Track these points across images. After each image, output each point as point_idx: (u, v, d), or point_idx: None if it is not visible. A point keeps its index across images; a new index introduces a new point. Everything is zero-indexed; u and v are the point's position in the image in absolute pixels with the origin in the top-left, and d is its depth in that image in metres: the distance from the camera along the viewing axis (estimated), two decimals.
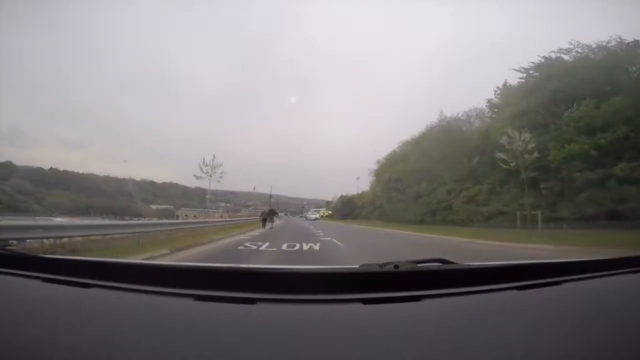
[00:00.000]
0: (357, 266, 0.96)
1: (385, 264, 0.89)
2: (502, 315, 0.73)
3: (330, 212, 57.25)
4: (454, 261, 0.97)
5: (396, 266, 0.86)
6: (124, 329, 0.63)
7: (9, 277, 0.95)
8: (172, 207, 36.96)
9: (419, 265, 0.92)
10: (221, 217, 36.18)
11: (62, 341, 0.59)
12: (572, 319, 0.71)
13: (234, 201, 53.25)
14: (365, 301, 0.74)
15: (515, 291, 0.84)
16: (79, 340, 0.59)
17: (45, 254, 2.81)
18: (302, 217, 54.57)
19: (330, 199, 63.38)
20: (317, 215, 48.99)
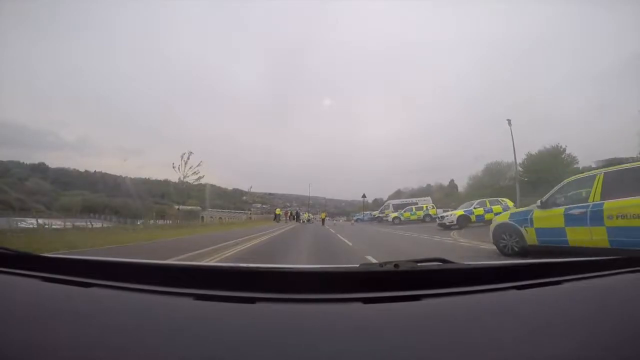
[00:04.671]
0: (357, 265, 0.95)
1: (385, 263, 0.89)
2: (502, 315, 0.72)
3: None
4: (454, 261, 0.97)
5: (396, 265, 0.86)
6: (123, 329, 0.63)
7: (8, 277, 0.94)
8: (199, 207, 33.24)
9: (419, 264, 0.91)
10: (250, 218, 34.45)
11: (61, 341, 0.59)
12: (572, 319, 0.70)
13: (271, 202, 49.14)
14: (365, 300, 0.73)
15: (515, 291, 0.83)
16: (78, 340, 0.59)
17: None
18: (356, 220, 34.21)
19: (371, 198, 50.86)
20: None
